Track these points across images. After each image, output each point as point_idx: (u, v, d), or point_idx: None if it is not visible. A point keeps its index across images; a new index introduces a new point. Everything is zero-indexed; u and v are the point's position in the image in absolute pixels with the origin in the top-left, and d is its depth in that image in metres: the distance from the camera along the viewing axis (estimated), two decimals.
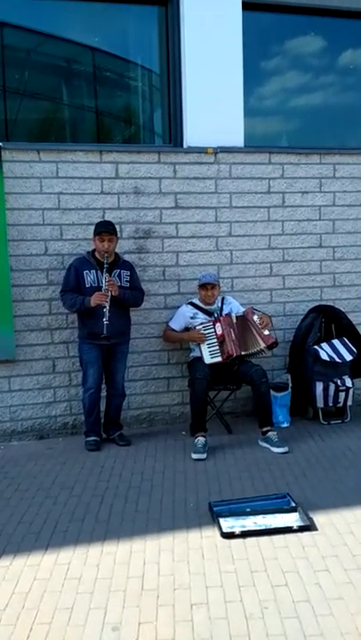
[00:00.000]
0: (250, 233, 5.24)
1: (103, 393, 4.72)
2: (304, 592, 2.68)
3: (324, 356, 4.96)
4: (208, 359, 4.65)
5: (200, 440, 4.45)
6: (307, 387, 5.04)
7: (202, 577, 2.82)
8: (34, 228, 4.78)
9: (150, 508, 3.56)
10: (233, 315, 4.72)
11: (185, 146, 5.07)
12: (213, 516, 3.35)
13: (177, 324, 4.89)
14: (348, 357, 5.03)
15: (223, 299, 4.92)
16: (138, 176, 4.96)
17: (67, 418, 4.97)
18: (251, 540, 3.13)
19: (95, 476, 4.07)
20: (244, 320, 4.66)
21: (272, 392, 4.86)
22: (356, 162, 5.44)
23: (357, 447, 4.51)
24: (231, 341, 4.57)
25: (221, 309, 4.84)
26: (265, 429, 4.58)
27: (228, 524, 3.26)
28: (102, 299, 4.33)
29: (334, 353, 5.02)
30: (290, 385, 5.14)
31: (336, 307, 5.37)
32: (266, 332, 4.59)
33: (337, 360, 4.99)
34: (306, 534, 3.18)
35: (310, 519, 3.32)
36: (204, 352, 4.68)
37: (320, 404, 5.01)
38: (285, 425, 5.02)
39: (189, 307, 4.88)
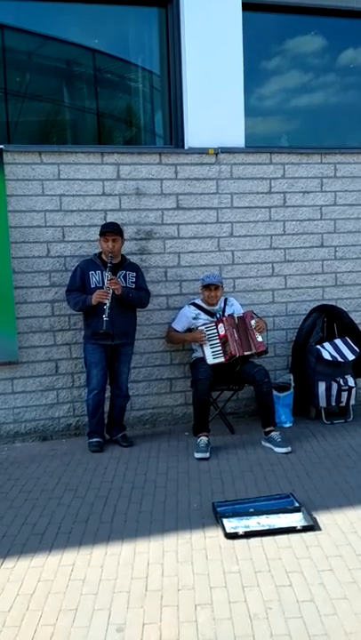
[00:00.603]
0: (251, 233, 5.24)
1: (107, 394, 4.72)
2: (308, 592, 2.68)
3: (326, 356, 4.96)
4: (211, 360, 4.66)
5: (203, 440, 4.46)
6: (309, 386, 5.04)
7: (206, 577, 2.82)
8: (36, 230, 4.79)
9: (154, 508, 3.57)
10: (235, 315, 4.73)
11: (186, 147, 5.07)
12: (217, 517, 3.35)
13: (179, 324, 4.90)
14: (351, 357, 5.03)
15: (226, 299, 4.93)
16: (139, 177, 4.97)
17: (70, 419, 4.98)
18: (254, 541, 3.13)
19: (99, 476, 4.08)
20: (242, 322, 4.67)
21: (275, 392, 4.87)
22: (357, 161, 5.43)
23: (360, 446, 4.51)
24: (234, 342, 4.58)
25: (224, 310, 4.85)
26: (268, 429, 4.58)
27: (231, 524, 3.27)
28: (103, 296, 4.35)
29: (337, 352, 5.02)
30: (292, 385, 5.15)
31: (338, 306, 5.37)
32: (259, 339, 4.61)
33: (339, 359, 4.99)
34: (309, 534, 3.18)
35: (314, 519, 3.32)
36: (206, 353, 4.69)
37: (323, 403, 5.01)
38: (288, 425, 5.02)
39: (192, 307, 4.89)
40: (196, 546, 3.11)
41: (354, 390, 5.06)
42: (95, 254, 4.63)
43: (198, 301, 4.91)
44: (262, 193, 5.24)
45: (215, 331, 4.69)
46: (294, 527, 3.23)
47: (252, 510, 3.40)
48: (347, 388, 5.00)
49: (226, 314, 4.79)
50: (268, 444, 4.53)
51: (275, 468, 4.14)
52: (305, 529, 3.22)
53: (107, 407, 4.76)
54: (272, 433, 4.55)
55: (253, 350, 4.62)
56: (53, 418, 4.95)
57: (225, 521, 3.28)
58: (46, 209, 4.79)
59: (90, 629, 2.47)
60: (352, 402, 5.10)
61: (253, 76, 5.36)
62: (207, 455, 4.33)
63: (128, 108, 5.74)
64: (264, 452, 4.44)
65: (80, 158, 4.84)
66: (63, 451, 4.64)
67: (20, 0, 5.03)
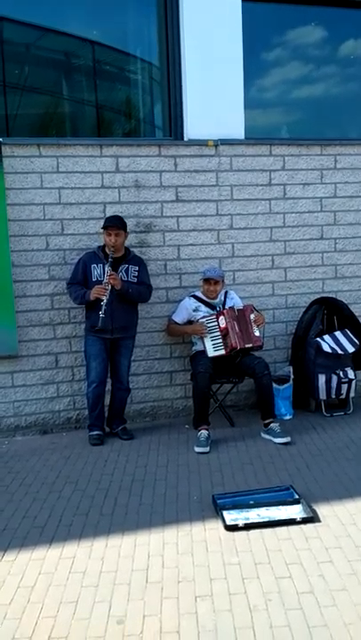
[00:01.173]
0: (251, 225, 5.23)
1: (107, 387, 4.72)
2: (308, 583, 2.69)
3: (326, 348, 4.96)
4: (211, 352, 4.66)
5: (203, 433, 4.46)
6: (309, 379, 5.05)
7: (206, 569, 2.83)
8: (35, 223, 4.78)
9: (154, 501, 3.58)
10: (236, 308, 4.72)
11: (185, 138, 5.05)
12: (217, 509, 3.36)
13: (179, 316, 4.90)
14: (351, 349, 5.03)
15: (226, 293, 4.92)
16: (138, 170, 4.95)
17: (70, 412, 4.99)
18: (254, 533, 3.14)
19: (99, 469, 4.09)
20: (242, 315, 4.67)
21: (274, 384, 4.87)
22: (358, 152, 5.41)
23: (360, 439, 4.52)
24: (235, 334, 4.58)
25: (224, 303, 4.84)
26: (267, 421, 4.59)
27: (231, 516, 3.28)
28: (101, 292, 4.35)
29: (336, 345, 5.02)
30: (292, 377, 5.14)
31: (338, 298, 5.36)
32: (256, 333, 4.62)
33: (339, 352, 4.99)
34: (309, 526, 3.20)
35: (313, 511, 3.33)
36: (207, 345, 4.69)
37: (323, 396, 5.02)
38: (288, 417, 5.03)
39: (192, 299, 4.88)
40: (196, 538, 3.12)
41: (354, 383, 5.07)
42: (98, 247, 4.61)
43: (199, 293, 4.91)
44: (262, 185, 5.22)
45: (216, 323, 4.68)
46: (294, 519, 3.24)
47: (251, 502, 3.41)
48: (347, 380, 5.01)
49: (226, 307, 4.78)
50: (267, 436, 4.54)
51: (275, 460, 4.15)
52: (305, 521, 3.23)
53: (107, 400, 4.77)
54: (272, 424, 4.55)
55: (252, 344, 4.63)
56: (54, 411, 4.95)
57: (225, 513, 3.29)
58: (45, 202, 4.78)
59: (90, 621, 2.49)
60: (352, 394, 5.11)
61: (253, 67, 5.32)
62: (207, 449, 4.34)
63: (127, 99, 5.71)
64: (264, 445, 4.45)
65: (79, 151, 4.82)
66: (63, 444, 4.65)
67: None
